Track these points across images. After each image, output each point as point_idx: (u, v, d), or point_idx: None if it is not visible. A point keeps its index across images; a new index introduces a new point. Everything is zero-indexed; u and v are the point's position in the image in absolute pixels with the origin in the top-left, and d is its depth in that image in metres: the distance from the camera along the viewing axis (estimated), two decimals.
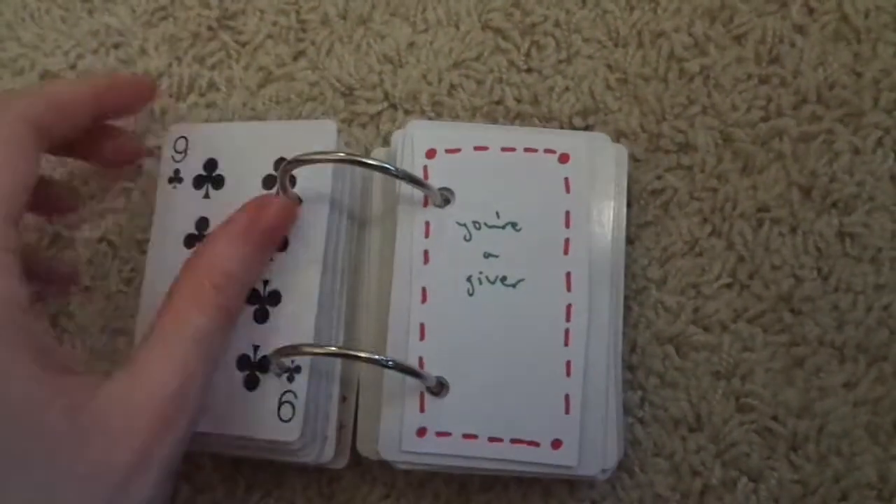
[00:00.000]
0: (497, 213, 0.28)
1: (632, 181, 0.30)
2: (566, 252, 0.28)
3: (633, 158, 0.31)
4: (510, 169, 0.29)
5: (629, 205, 0.30)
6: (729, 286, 0.30)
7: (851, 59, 0.30)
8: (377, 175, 0.30)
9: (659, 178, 0.31)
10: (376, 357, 0.26)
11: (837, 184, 0.30)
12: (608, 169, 0.29)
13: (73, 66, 0.34)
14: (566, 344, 0.27)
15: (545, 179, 0.28)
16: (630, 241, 0.30)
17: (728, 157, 0.30)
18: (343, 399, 0.29)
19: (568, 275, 0.28)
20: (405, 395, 0.27)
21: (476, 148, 0.29)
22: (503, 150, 0.29)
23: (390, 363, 0.26)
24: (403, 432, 0.27)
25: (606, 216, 0.28)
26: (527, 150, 0.29)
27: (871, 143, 0.30)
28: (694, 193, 0.30)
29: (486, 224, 0.28)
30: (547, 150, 0.29)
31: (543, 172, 0.28)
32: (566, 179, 0.28)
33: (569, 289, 0.27)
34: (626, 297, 0.29)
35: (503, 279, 0.28)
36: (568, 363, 0.27)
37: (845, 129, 0.30)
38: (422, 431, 0.27)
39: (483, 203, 0.28)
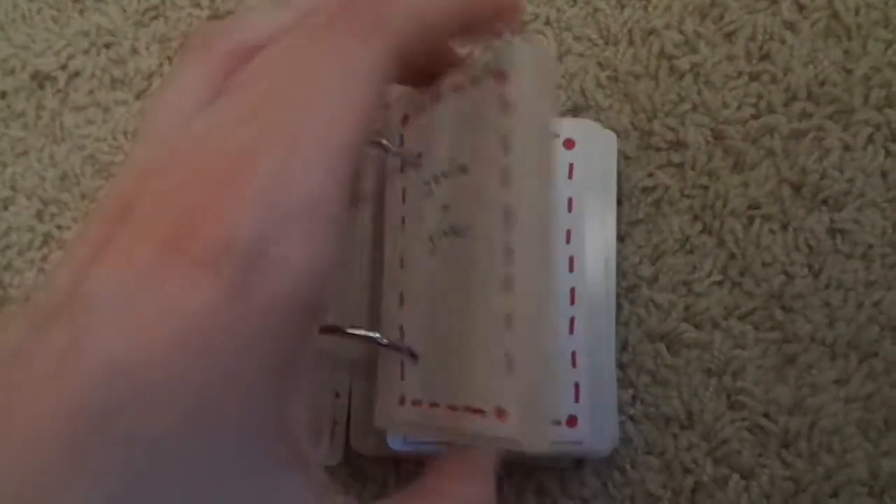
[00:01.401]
0: None
1: (623, 179, 0.30)
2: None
3: (625, 156, 0.31)
4: None
5: (620, 202, 0.30)
6: (720, 283, 0.30)
7: (842, 56, 0.31)
8: (371, 154, 0.30)
9: (650, 175, 0.31)
10: (366, 333, 0.25)
11: (828, 180, 0.30)
12: (602, 158, 0.29)
13: (63, 67, 0.34)
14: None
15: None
16: (621, 238, 0.30)
17: (719, 154, 0.30)
18: (336, 395, 0.29)
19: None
20: (391, 364, 0.27)
21: None
22: None
23: (384, 342, 0.25)
24: (389, 401, 0.26)
25: (600, 205, 0.28)
26: None
27: (862, 140, 0.30)
28: (685, 191, 0.30)
29: None
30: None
31: None
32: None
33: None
34: (617, 295, 0.29)
35: None
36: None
37: (836, 126, 0.30)
38: (402, 399, 0.26)
39: None
